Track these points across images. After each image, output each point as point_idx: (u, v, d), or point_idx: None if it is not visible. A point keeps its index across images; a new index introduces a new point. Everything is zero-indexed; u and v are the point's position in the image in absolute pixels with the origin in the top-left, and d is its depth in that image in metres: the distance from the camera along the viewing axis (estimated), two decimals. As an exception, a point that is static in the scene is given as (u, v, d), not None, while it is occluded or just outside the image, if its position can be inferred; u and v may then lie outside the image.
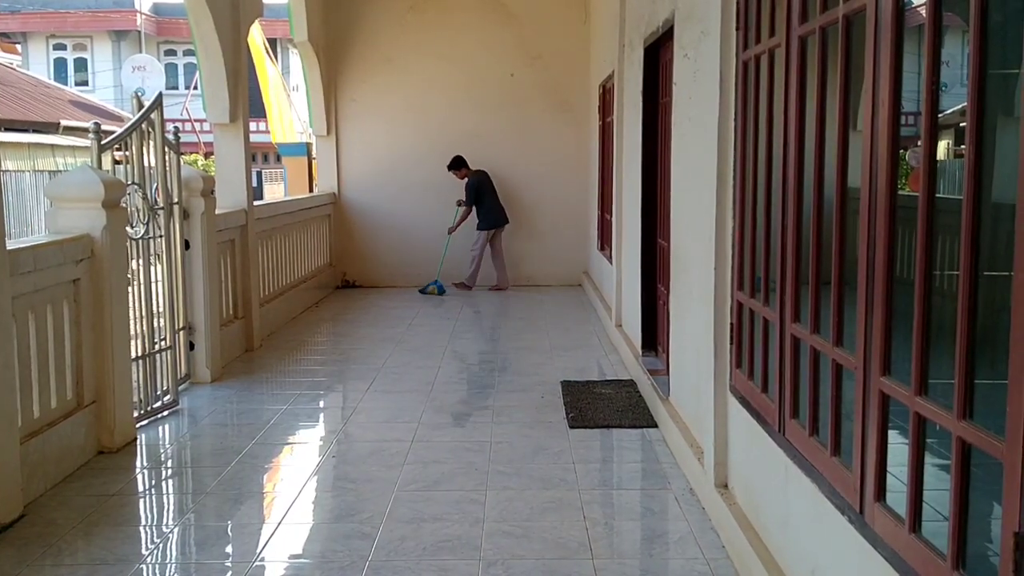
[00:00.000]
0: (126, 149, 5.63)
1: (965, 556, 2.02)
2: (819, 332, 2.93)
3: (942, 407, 2.09)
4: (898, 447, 2.40)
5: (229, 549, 3.89)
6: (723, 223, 4.05)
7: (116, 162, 5.65)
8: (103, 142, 5.33)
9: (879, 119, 2.39)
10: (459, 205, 11.34)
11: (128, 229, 5.46)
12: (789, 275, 3.20)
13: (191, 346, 6.61)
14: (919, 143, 2.16)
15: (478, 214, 11.31)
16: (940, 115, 2.23)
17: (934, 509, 2.31)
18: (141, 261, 5.68)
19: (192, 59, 29.37)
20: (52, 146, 16.52)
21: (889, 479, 2.43)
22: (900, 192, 2.38)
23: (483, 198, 11.24)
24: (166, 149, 5.97)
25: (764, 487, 3.48)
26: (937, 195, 2.19)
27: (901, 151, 2.37)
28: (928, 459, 2.27)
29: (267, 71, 13.49)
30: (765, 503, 3.47)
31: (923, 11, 2.20)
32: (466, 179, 11.28)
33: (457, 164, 11.33)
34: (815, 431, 2.96)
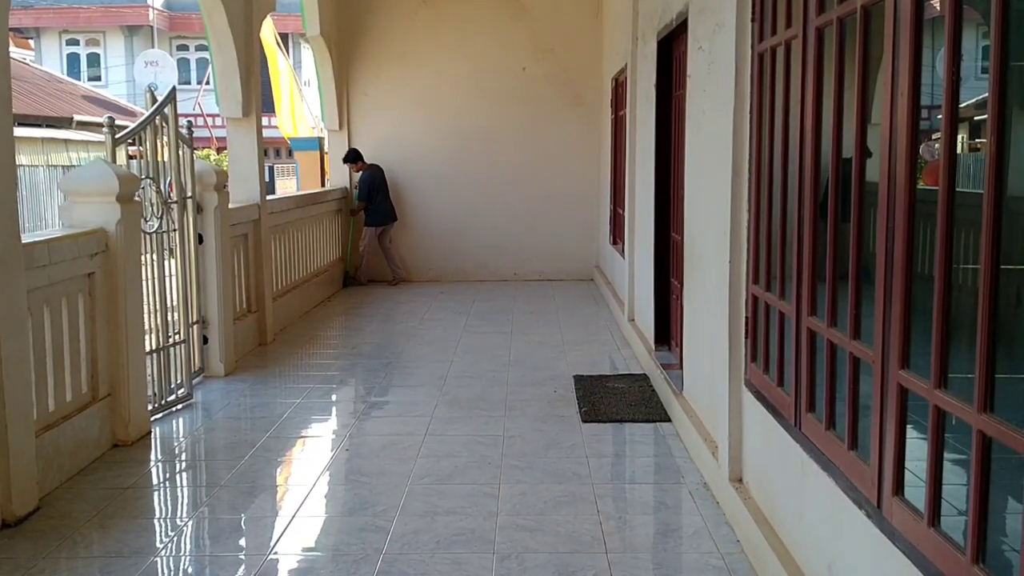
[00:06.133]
0: (140, 144, 5.65)
1: (985, 550, 2.00)
2: (836, 325, 2.92)
3: (962, 400, 2.07)
4: (915, 441, 2.38)
5: (243, 542, 3.91)
6: (738, 216, 4.02)
7: (130, 156, 5.67)
8: (117, 136, 5.34)
9: (898, 111, 2.37)
10: (352, 214, 11.64)
11: (142, 223, 5.47)
12: (806, 268, 3.18)
13: (205, 340, 6.63)
14: (933, 137, 2.14)
15: (367, 210, 11.38)
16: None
17: (950, 504, 2.29)
18: (155, 255, 5.69)
19: (204, 54, 29.48)
20: (65, 141, 16.58)
21: (906, 474, 2.41)
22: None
23: (375, 194, 11.30)
24: (179, 143, 5.99)
25: (780, 481, 3.46)
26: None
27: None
28: (945, 453, 2.26)
29: (279, 66, 13.47)
30: (781, 497, 3.45)
31: (936, 4, 2.18)
32: (360, 172, 11.37)
33: (353, 157, 11.45)
34: (832, 425, 2.94)
